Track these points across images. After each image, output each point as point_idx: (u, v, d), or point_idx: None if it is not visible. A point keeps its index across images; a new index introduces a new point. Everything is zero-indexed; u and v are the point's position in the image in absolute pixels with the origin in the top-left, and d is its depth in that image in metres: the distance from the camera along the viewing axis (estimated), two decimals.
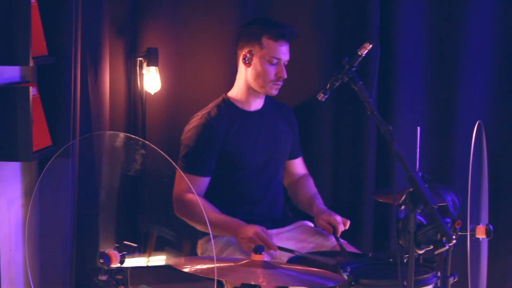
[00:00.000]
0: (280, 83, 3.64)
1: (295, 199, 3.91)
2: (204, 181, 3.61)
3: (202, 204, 3.52)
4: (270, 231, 3.59)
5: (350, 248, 3.57)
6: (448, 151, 4.22)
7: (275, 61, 3.61)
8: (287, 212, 3.90)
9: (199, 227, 3.58)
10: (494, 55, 4.25)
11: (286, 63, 3.65)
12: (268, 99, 3.80)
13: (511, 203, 4.27)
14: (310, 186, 3.89)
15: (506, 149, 4.26)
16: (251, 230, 3.39)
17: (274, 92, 3.65)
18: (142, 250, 2.63)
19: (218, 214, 3.52)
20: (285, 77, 3.62)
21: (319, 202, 3.74)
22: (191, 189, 3.55)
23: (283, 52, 3.63)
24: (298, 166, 3.97)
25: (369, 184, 4.18)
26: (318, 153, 4.22)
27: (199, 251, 3.73)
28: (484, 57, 4.23)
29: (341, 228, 3.55)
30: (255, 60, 3.62)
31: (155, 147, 2.64)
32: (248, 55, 3.63)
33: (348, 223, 3.60)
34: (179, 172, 3.57)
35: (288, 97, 4.01)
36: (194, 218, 3.56)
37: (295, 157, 3.94)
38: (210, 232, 3.47)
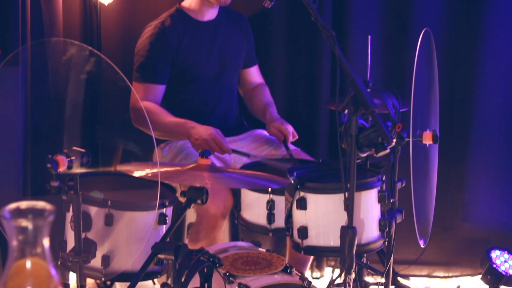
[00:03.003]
0: None
1: (250, 108, 3.94)
2: (159, 89, 3.63)
3: (156, 109, 3.54)
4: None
5: (304, 156, 3.62)
6: (399, 60, 4.25)
7: None
8: (242, 121, 3.93)
9: (156, 134, 3.61)
10: None
11: None
12: (222, 9, 3.79)
13: (465, 112, 4.31)
14: (265, 95, 3.91)
15: (456, 58, 4.28)
16: (206, 132, 3.40)
17: (227, 1, 3.64)
18: (91, 156, 2.66)
19: (173, 117, 3.54)
20: None
21: (273, 111, 3.77)
22: (145, 97, 3.58)
23: None
24: (253, 74, 3.98)
25: (323, 92, 4.21)
26: (273, 62, 4.24)
27: (154, 159, 3.77)
28: None
29: (291, 138, 3.60)
30: None
31: (106, 58, 2.65)
32: None
33: (297, 137, 3.64)
34: (134, 83, 3.59)
35: (244, 6, 4.01)
36: (151, 124, 3.59)
37: (250, 65, 3.95)
38: (169, 137, 3.48)
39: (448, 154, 4.25)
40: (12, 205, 1.37)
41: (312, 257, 3.87)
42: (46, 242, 1.39)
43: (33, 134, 3.29)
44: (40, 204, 1.39)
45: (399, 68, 4.23)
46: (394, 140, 2.48)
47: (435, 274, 4.50)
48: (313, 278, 4.37)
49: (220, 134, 3.42)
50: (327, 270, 4.42)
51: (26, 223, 1.36)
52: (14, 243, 1.37)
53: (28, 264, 1.38)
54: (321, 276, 4.41)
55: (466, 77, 4.27)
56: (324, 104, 4.11)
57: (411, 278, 4.16)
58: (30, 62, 3.16)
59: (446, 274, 4.49)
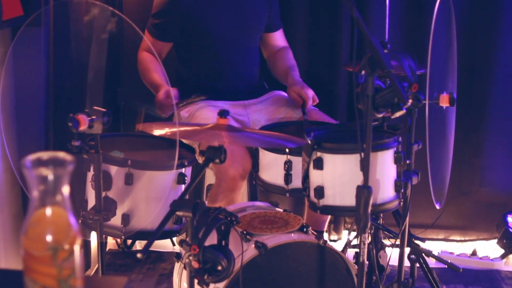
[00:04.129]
0: None
1: (273, 71, 3.97)
2: (162, 45, 3.72)
3: (149, 63, 3.63)
4: (243, 101, 3.69)
5: (321, 115, 3.65)
6: (418, 22, 4.24)
7: None
8: (262, 83, 3.96)
9: (147, 86, 3.70)
10: None
11: None
12: None
13: (484, 77, 4.30)
14: (289, 58, 3.93)
15: (476, 23, 4.27)
16: (161, 94, 3.51)
17: None
18: (111, 115, 2.70)
19: (156, 75, 3.65)
20: None
21: (295, 74, 3.79)
22: (149, 48, 3.65)
23: None
24: (277, 38, 4.00)
25: (343, 55, 4.22)
26: (294, 26, 4.25)
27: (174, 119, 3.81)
28: None
29: (310, 103, 3.62)
30: None
31: (127, 18, 2.68)
32: None
33: (317, 101, 3.67)
34: (145, 32, 3.67)
35: None
36: (142, 75, 3.68)
37: (275, 29, 3.97)
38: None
39: (466, 118, 4.26)
40: (33, 155, 1.42)
41: (329, 219, 3.90)
42: (65, 191, 1.43)
43: (55, 95, 3.33)
44: (61, 154, 1.44)
45: (417, 30, 4.23)
46: (410, 101, 2.49)
47: (451, 238, 4.53)
48: (330, 240, 4.42)
49: (170, 96, 3.45)
50: (344, 233, 4.47)
51: (46, 172, 1.41)
52: (35, 192, 1.41)
53: (48, 212, 1.42)
54: (339, 238, 4.46)
55: (486, 42, 4.26)
56: (342, 66, 4.13)
57: (427, 241, 4.19)
58: (53, 23, 3.19)
59: (463, 238, 4.52)
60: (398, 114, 2.54)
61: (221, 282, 2.48)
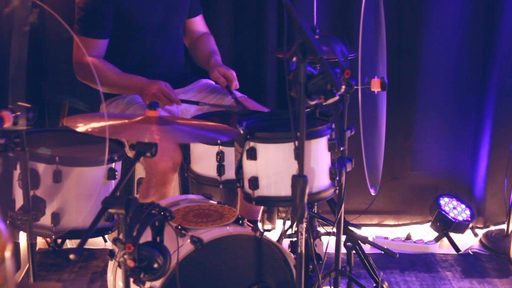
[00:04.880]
0: None
1: (195, 57, 3.91)
2: (101, 43, 3.57)
3: (103, 65, 3.49)
4: None
5: (251, 102, 3.60)
6: (345, 7, 4.22)
7: None
8: (188, 72, 3.90)
9: (103, 89, 3.56)
10: None
11: None
12: None
13: (412, 60, 4.31)
14: (210, 43, 3.88)
15: (403, 4, 4.27)
16: (155, 86, 3.41)
17: None
18: (37, 111, 2.61)
19: (121, 73, 3.51)
20: None
21: (217, 58, 3.74)
22: (90, 52, 3.51)
23: None
24: (198, 24, 3.94)
25: (270, 41, 4.18)
26: (218, 11, 4.21)
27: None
28: None
29: (235, 82, 3.57)
30: None
31: (48, 8, 2.58)
32: None
33: (238, 86, 3.62)
34: (76, 37, 3.52)
35: None
36: (95, 80, 3.53)
37: (195, 14, 3.91)
38: (117, 92, 3.41)
39: (396, 102, 4.27)
40: None
41: (262, 209, 3.86)
42: None
43: None
44: None
45: (345, 14, 4.21)
46: (343, 87, 2.46)
47: (385, 222, 4.55)
48: (264, 230, 4.37)
49: (169, 87, 3.43)
50: (278, 222, 4.44)
51: None
52: None
53: None
54: (273, 228, 4.43)
55: (413, 23, 4.28)
56: (271, 53, 4.08)
57: (362, 227, 4.19)
58: None
59: (396, 222, 4.54)
60: (331, 100, 2.50)
61: (157, 280, 2.41)
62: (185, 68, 3.88)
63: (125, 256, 2.32)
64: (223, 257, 2.74)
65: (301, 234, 2.54)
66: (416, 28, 4.25)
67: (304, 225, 2.55)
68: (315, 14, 3.37)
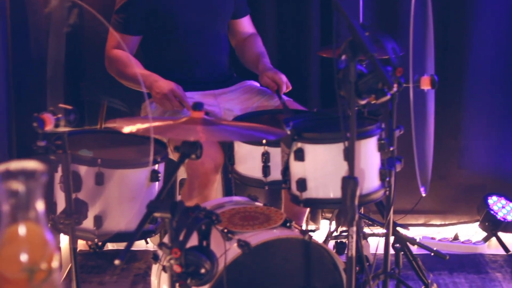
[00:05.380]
0: None
1: (242, 59, 3.84)
2: (131, 40, 3.56)
3: (125, 58, 3.46)
4: (213, 91, 3.55)
5: (296, 106, 3.53)
6: (392, 4, 4.13)
7: None
8: (232, 73, 3.83)
9: (126, 84, 3.54)
10: None
11: None
12: None
13: (461, 54, 4.20)
14: (258, 45, 3.81)
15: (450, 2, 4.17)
16: (167, 86, 3.35)
17: None
18: (78, 113, 2.55)
19: (140, 69, 3.47)
20: None
21: (266, 61, 3.67)
22: (119, 45, 3.49)
23: None
24: (245, 25, 3.87)
25: (314, 40, 4.10)
26: (261, 11, 4.12)
27: (142, 114, 3.66)
28: None
29: (284, 88, 3.50)
30: None
31: (88, 7, 2.54)
32: None
33: (290, 87, 3.55)
34: (110, 29, 3.51)
35: None
36: (119, 73, 3.53)
37: (242, 15, 3.84)
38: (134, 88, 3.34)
39: (442, 99, 4.15)
40: (1, 167, 1.27)
41: (308, 210, 3.78)
42: (39, 205, 1.29)
43: (16, 93, 3.16)
44: (31, 164, 1.29)
45: (391, 11, 4.11)
46: (395, 86, 2.37)
47: (431, 222, 4.44)
48: (308, 231, 4.29)
49: (181, 89, 3.36)
50: (323, 223, 4.36)
51: (17, 185, 1.26)
52: (5, 208, 1.27)
53: (21, 229, 1.28)
54: (317, 228, 4.34)
55: (459, 18, 4.17)
56: (317, 52, 3.99)
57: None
58: (9, 16, 3.02)
59: (443, 222, 4.43)
60: (382, 100, 2.41)
61: (204, 285, 2.34)
62: (230, 70, 3.81)
63: (172, 261, 2.25)
64: (271, 261, 2.66)
65: (352, 237, 2.46)
66: (462, 23, 4.14)
67: (355, 227, 2.47)
68: (361, 11, 3.28)
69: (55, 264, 1.31)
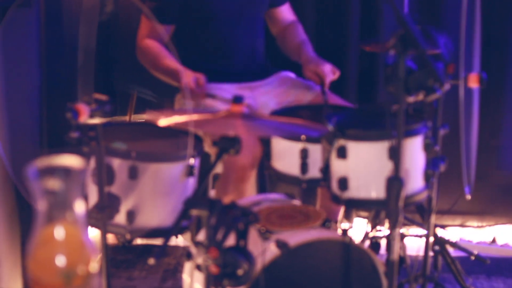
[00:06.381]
0: None
1: (284, 49, 3.72)
2: (164, 29, 3.44)
3: (156, 49, 3.36)
4: (249, 83, 3.45)
5: (336, 99, 3.41)
6: None
7: None
8: (268, 64, 3.72)
9: (156, 75, 3.43)
10: None
11: None
12: None
13: (503, 51, 4.07)
14: (299, 33, 3.70)
15: None
16: (186, 76, 3.24)
17: None
18: (113, 104, 2.46)
19: (169, 60, 3.35)
20: None
21: (308, 49, 3.55)
22: (151, 34, 3.39)
23: None
24: (285, 13, 3.76)
25: (353, 32, 3.98)
26: (299, 2, 4.00)
27: (177, 107, 3.57)
28: None
29: (329, 79, 3.38)
30: None
31: None
32: None
33: (338, 73, 3.43)
34: (142, 18, 3.42)
35: None
36: (150, 64, 3.42)
37: (281, 3, 3.73)
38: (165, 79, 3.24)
39: (482, 98, 4.03)
40: (38, 163, 1.18)
41: (343, 209, 3.67)
42: (78, 205, 1.19)
43: (48, 82, 3.08)
44: (70, 160, 1.20)
45: (436, 4, 3.98)
46: (447, 84, 2.25)
47: (468, 223, 4.31)
48: (341, 229, 4.19)
49: (202, 80, 3.24)
50: (356, 221, 4.25)
51: (54, 183, 1.17)
52: (41, 207, 1.17)
53: (58, 231, 1.19)
54: (350, 227, 4.23)
55: (502, 13, 4.02)
56: (360, 46, 3.87)
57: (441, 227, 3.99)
58: (44, 2, 2.94)
59: (480, 224, 4.30)
60: (432, 97, 2.30)
61: (240, 287, 2.24)
62: (265, 61, 3.70)
63: (208, 261, 2.16)
64: (309, 263, 2.55)
65: (395, 241, 2.35)
66: (506, 17, 4.00)
67: (398, 230, 2.36)
68: (406, 4, 3.16)
69: (93, 268, 1.22)
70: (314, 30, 4.06)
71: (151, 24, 3.44)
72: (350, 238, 2.56)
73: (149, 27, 3.43)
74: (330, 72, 3.38)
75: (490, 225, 4.29)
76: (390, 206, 2.29)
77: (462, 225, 4.30)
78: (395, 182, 2.27)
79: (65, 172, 1.18)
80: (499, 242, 4.08)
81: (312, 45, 3.77)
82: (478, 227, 4.29)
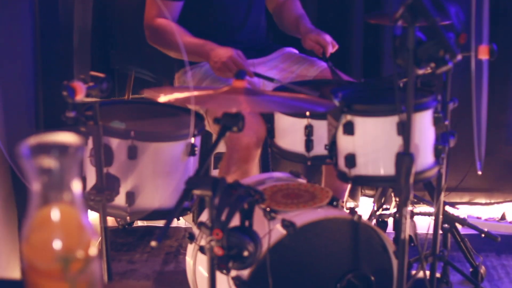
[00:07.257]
0: None
1: (281, 24, 3.63)
2: (175, 6, 3.31)
3: (172, 27, 3.22)
4: (252, 60, 3.34)
5: (340, 75, 3.32)
6: None
7: None
8: (270, 39, 3.63)
9: (172, 54, 3.31)
10: None
11: None
12: None
13: (509, 23, 3.97)
14: (296, 7, 3.61)
15: None
16: (225, 53, 3.10)
17: None
18: (111, 81, 2.37)
19: (191, 37, 3.23)
20: None
21: (306, 22, 3.47)
22: (160, 14, 3.26)
23: None
24: None
25: (356, 5, 3.88)
26: None
27: (177, 84, 3.47)
28: None
29: (330, 49, 3.29)
30: None
31: None
32: None
33: (337, 46, 3.34)
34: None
35: None
36: (166, 43, 3.28)
37: None
38: (186, 58, 3.14)
39: (490, 71, 3.92)
40: (32, 140, 1.09)
41: (349, 187, 3.58)
42: (75, 185, 1.11)
43: (43, 62, 2.99)
44: (66, 137, 1.11)
45: None
46: (459, 55, 2.15)
47: (476, 200, 4.22)
48: (347, 208, 4.11)
49: (241, 56, 3.12)
50: (362, 200, 4.16)
51: (49, 162, 1.08)
52: (36, 187, 1.09)
53: (54, 212, 1.10)
54: (356, 206, 4.15)
55: None
56: (365, 19, 3.76)
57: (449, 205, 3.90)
58: None
59: (488, 201, 4.21)
60: (442, 69, 2.20)
61: (246, 268, 2.16)
62: (268, 35, 3.61)
63: (212, 243, 2.07)
64: (317, 243, 2.47)
65: (405, 218, 2.26)
66: None
67: (409, 207, 2.28)
68: None
69: (92, 252, 1.13)
70: (316, 4, 3.96)
71: (162, 2, 3.31)
72: (359, 216, 2.47)
73: (158, 7, 3.30)
74: (330, 42, 3.29)
75: (498, 202, 4.20)
76: (400, 183, 2.20)
77: (470, 203, 4.21)
78: (405, 158, 2.18)
79: (61, 150, 1.10)
80: (508, 218, 3.99)
81: (315, 19, 3.68)
82: (486, 204, 4.20)
